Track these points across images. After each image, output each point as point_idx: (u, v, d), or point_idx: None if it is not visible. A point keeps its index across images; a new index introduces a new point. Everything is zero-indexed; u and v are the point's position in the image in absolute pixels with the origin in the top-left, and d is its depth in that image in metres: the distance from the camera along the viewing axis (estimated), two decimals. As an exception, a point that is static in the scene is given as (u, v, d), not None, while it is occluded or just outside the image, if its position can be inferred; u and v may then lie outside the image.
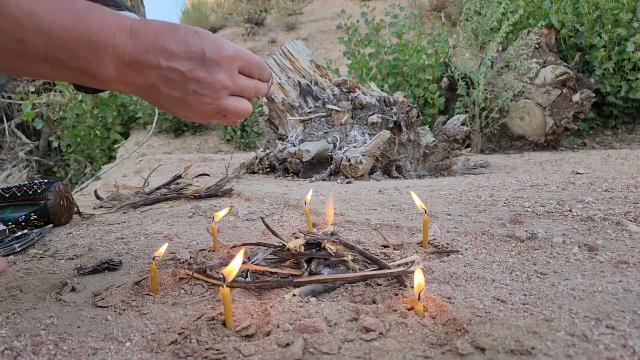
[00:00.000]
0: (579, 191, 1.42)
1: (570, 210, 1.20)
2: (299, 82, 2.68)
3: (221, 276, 0.69)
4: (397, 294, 0.76)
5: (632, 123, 3.65)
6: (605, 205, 1.22)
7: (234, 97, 0.72)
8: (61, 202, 1.44)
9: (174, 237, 1.22)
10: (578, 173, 2.06)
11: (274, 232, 0.99)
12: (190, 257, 1.01)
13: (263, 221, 1.03)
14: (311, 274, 0.84)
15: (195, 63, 0.66)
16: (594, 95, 3.28)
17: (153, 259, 0.83)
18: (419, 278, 0.70)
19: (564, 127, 3.29)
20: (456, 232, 1.12)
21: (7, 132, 6.09)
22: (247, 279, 0.85)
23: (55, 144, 5.65)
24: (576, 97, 3.26)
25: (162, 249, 0.85)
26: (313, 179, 2.24)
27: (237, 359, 0.59)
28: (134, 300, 0.79)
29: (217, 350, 0.61)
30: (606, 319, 0.63)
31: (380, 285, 0.82)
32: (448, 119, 2.82)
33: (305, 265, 0.87)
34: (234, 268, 0.69)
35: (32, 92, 5.70)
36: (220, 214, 1.07)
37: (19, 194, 1.41)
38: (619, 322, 0.62)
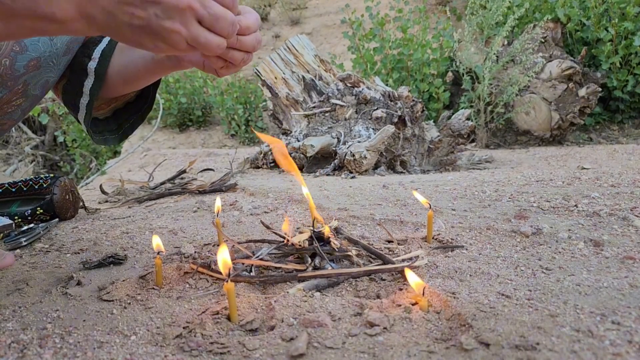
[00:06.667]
0: (584, 186, 1.42)
1: (575, 206, 1.20)
2: (303, 77, 2.68)
3: (224, 272, 0.69)
4: (401, 289, 0.76)
5: (639, 118, 3.62)
6: (611, 201, 1.21)
7: (205, 29, 0.63)
8: (67, 197, 1.44)
9: (179, 231, 1.23)
10: (584, 168, 2.05)
11: (275, 232, 0.98)
12: (195, 252, 1.02)
13: (263, 223, 1.03)
14: (315, 268, 0.84)
15: None
16: (600, 89, 3.26)
17: (158, 253, 0.83)
18: (414, 279, 0.70)
19: (570, 122, 3.27)
20: (461, 227, 1.12)
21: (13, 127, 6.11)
22: (251, 274, 0.85)
23: (60, 139, 5.68)
24: (582, 92, 3.24)
25: (156, 242, 0.86)
26: (317, 174, 2.24)
27: (241, 353, 0.59)
28: (139, 294, 0.79)
29: (221, 344, 0.61)
30: (612, 315, 0.62)
31: (384, 280, 0.82)
32: (453, 113, 2.81)
33: (310, 260, 0.87)
34: (224, 259, 0.69)
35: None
36: (218, 205, 1.09)
37: (25, 189, 1.41)
38: (624, 318, 0.62)
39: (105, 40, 0.92)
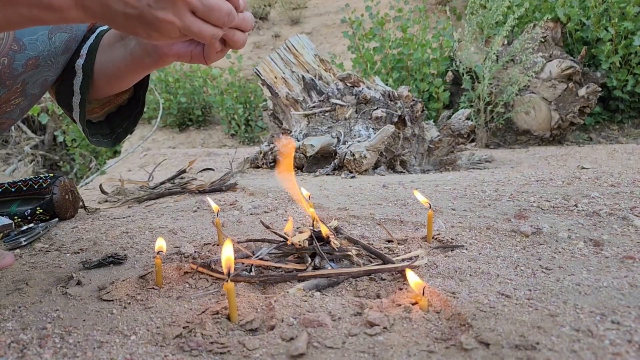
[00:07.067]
0: (584, 186, 1.42)
1: (575, 205, 1.20)
2: (303, 77, 2.68)
3: (225, 270, 0.69)
4: (401, 289, 0.76)
5: (639, 117, 3.62)
6: (611, 200, 1.21)
7: (198, 19, 0.64)
8: (66, 197, 1.44)
9: (179, 231, 1.23)
10: (584, 168, 2.05)
11: (275, 232, 0.98)
12: (195, 251, 1.02)
13: (263, 223, 1.03)
14: (315, 268, 0.84)
15: None
16: (600, 89, 3.26)
17: (158, 253, 0.83)
18: (413, 278, 0.71)
19: (570, 122, 3.27)
20: (461, 227, 1.12)
21: (12, 126, 6.11)
22: (251, 274, 0.85)
23: (60, 139, 5.67)
24: (582, 92, 3.24)
25: (160, 243, 0.86)
26: (317, 173, 2.24)
27: (241, 353, 0.59)
28: (139, 294, 0.79)
29: (221, 344, 0.61)
30: (611, 315, 0.62)
31: (384, 279, 0.82)
32: (453, 113, 2.81)
33: (309, 259, 0.87)
34: (228, 257, 0.70)
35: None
36: (214, 205, 1.09)
37: (24, 188, 1.41)
38: (624, 317, 0.62)
39: (93, 36, 0.92)
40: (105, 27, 0.92)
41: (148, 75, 0.96)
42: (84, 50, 0.90)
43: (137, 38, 0.82)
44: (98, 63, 0.90)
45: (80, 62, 0.90)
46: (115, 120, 1.03)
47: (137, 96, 1.03)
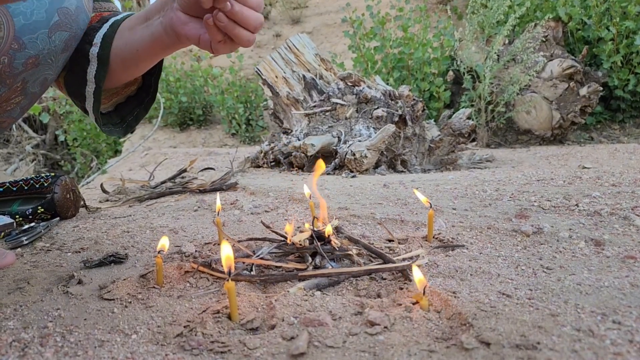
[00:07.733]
0: (585, 185, 1.41)
1: (576, 205, 1.20)
2: (304, 76, 2.68)
3: (226, 269, 0.69)
4: (401, 288, 0.76)
5: (640, 117, 3.62)
6: (612, 200, 1.21)
7: None
8: (67, 196, 1.44)
9: (180, 230, 1.23)
10: (585, 167, 2.05)
11: (275, 232, 0.98)
12: (196, 251, 1.02)
13: (263, 223, 1.03)
14: (316, 267, 0.84)
15: None
16: (601, 89, 3.25)
17: (159, 252, 0.83)
18: (418, 275, 0.70)
19: (571, 121, 3.26)
20: (461, 226, 1.12)
21: (14, 125, 6.12)
22: (252, 273, 0.85)
23: (61, 138, 5.68)
24: (583, 91, 3.23)
25: (162, 242, 0.85)
26: (318, 173, 2.24)
27: (242, 352, 0.59)
28: (139, 293, 0.79)
29: (222, 343, 0.61)
30: (613, 314, 0.62)
31: (385, 279, 0.82)
32: (453, 112, 2.81)
33: (310, 259, 0.87)
34: (228, 256, 0.69)
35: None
36: (218, 204, 1.09)
37: (26, 188, 1.41)
38: (625, 317, 0.62)
39: (107, 25, 0.91)
40: (119, 18, 0.91)
41: (160, 63, 0.96)
42: (97, 39, 0.89)
43: (160, 15, 0.82)
44: (115, 48, 0.90)
45: (94, 50, 0.89)
46: (125, 110, 1.03)
47: (147, 85, 1.03)
